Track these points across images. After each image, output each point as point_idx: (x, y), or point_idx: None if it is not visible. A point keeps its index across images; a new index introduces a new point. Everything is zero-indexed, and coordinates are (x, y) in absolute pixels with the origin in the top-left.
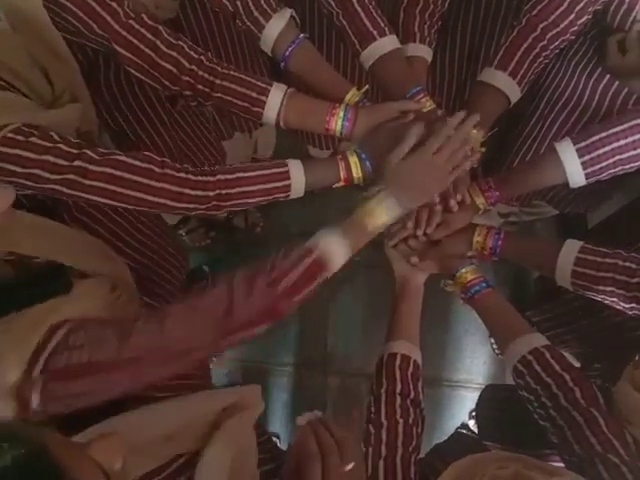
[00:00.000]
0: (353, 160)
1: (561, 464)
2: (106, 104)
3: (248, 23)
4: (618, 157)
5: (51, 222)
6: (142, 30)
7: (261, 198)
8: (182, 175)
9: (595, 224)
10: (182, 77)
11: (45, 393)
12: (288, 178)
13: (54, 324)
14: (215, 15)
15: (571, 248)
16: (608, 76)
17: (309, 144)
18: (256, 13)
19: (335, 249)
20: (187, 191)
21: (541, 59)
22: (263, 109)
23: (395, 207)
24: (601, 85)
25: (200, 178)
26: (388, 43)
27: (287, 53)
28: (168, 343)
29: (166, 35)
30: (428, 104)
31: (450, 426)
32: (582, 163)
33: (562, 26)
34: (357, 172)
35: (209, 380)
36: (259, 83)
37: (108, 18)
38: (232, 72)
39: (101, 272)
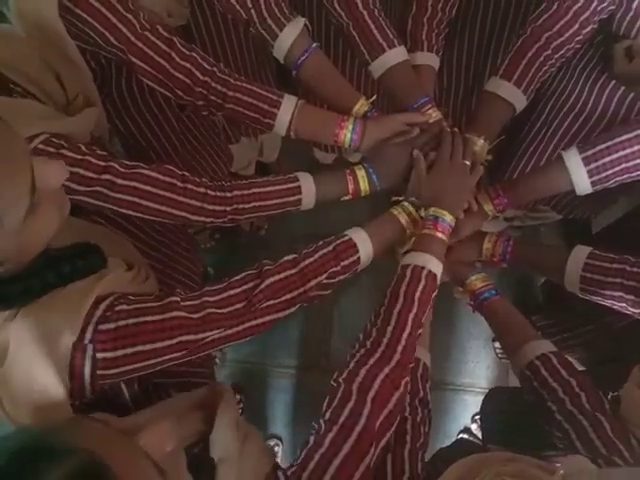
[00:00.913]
0: (361, 174)
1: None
2: (117, 109)
3: (261, 30)
4: (624, 165)
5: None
6: (157, 42)
7: (274, 211)
8: (202, 190)
9: (599, 229)
10: (195, 88)
11: (96, 362)
12: (300, 193)
13: (100, 295)
14: (224, 21)
15: (579, 254)
16: (613, 82)
17: (314, 146)
18: (270, 21)
19: (363, 238)
20: (206, 206)
21: (546, 67)
22: (274, 121)
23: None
24: (606, 91)
25: (218, 194)
26: (397, 55)
27: (299, 62)
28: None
29: (180, 46)
30: (435, 114)
31: (453, 429)
32: (588, 171)
33: (566, 35)
34: (364, 186)
35: (213, 376)
36: (270, 95)
37: (124, 30)
38: (244, 84)
39: (116, 254)
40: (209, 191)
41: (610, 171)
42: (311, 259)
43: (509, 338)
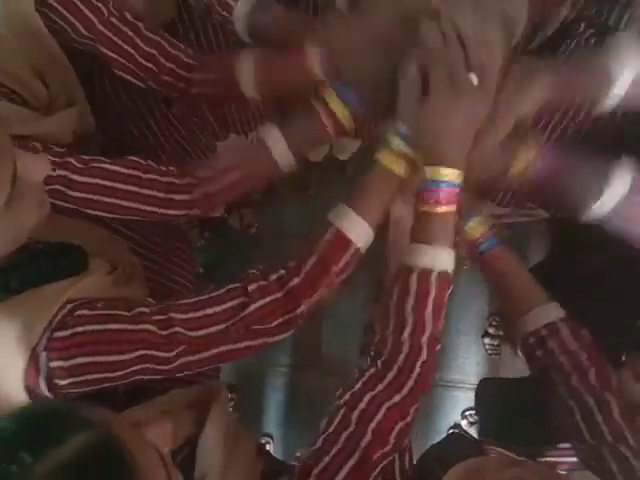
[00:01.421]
0: (333, 101)
1: (564, 459)
2: (102, 108)
3: (220, 10)
4: None
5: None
6: (123, 27)
7: (250, 185)
8: (167, 179)
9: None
10: (162, 77)
11: (51, 371)
12: (271, 156)
13: (71, 299)
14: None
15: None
16: None
17: None
18: None
19: (351, 221)
20: (174, 196)
21: None
22: (239, 85)
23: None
24: None
25: (185, 181)
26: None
27: (261, 27)
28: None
29: (145, 31)
30: None
31: (443, 425)
32: None
33: None
34: (344, 115)
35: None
36: (227, 62)
37: (93, 18)
38: (203, 60)
39: (102, 253)
40: (176, 180)
41: None
42: (298, 279)
43: (512, 301)
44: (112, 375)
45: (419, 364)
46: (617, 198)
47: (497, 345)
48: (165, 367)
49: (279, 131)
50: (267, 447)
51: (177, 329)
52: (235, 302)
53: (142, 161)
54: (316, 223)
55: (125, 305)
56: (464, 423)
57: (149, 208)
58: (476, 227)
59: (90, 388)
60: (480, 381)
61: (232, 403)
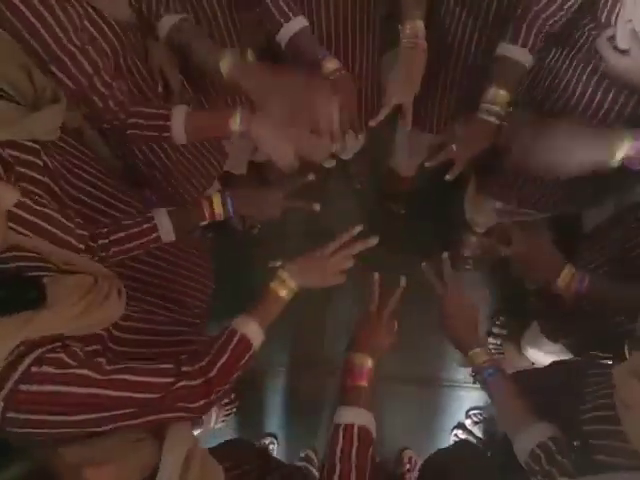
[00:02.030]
0: (216, 198)
1: None
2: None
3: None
4: None
5: None
6: (84, 63)
7: (138, 251)
8: (83, 233)
9: (591, 228)
10: (104, 115)
11: (3, 418)
12: (156, 230)
13: (28, 340)
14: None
15: None
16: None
17: None
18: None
19: (251, 329)
20: (92, 250)
21: (546, 28)
22: (171, 133)
23: (294, 285)
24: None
25: (88, 242)
26: (294, 25)
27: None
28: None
29: (104, 72)
30: (330, 65)
31: (448, 425)
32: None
33: (553, 9)
34: (219, 208)
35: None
36: (162, 111)
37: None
38: (140, 108)
39: (85, 269)
40: (89, 240)
41: None
42: (214, 372)
43: (509, 421)
44: (61, 431)
45: None
46: None
47: (500, 344)
48: (104, 428)
49: (168, 218)
50: (271, 447)
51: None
52: (169, 379)
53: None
54: (317, 224)
55: (83, 362)
56: (468, 422)
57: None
58: (480, 355)
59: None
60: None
61: (236, 404)
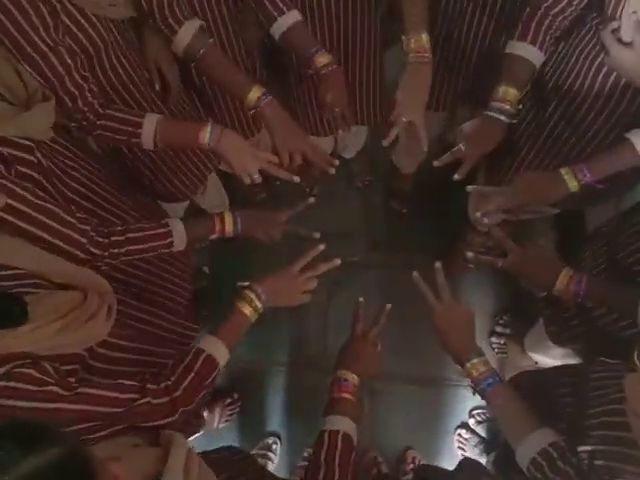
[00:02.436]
0: (227, 216)
1: None
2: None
3: (162, 27)
4: None
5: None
6: (56, 63)
7: (148, 254)
8: (87, 228)
9: (594, 228)
10: (74, 114)
11: None
12: (171, 236)
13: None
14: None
15: None
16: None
17: (308, 133)
18: (171, 20)
19: (218, 349)
20: (89, 247)
21: (556, 24)
22: (140, 139)
23: (260, 306)
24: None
25: (99, 239)
26: (287, 19)
27: (198, 55)
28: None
29: (75, 73)
30: (322, 59)
31: (451, 425)
32: None
33: (562, 5)
34: (230, 227)
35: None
36: (133, 118)
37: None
38: (112, 112)
39: (77, 282)
40: (94, 234)
41: None
42: (179, 391)
43: (511, 429)
44: None
45: None
46: None
47: (504, 344)
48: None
49: (183, 226)
50: (274, 447)
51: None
52: (133, 395)
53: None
54: (320, 224)
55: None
56: (472, 422)
57: (68, 247)
58: (477, 366)
59: None
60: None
61: (238, 404)
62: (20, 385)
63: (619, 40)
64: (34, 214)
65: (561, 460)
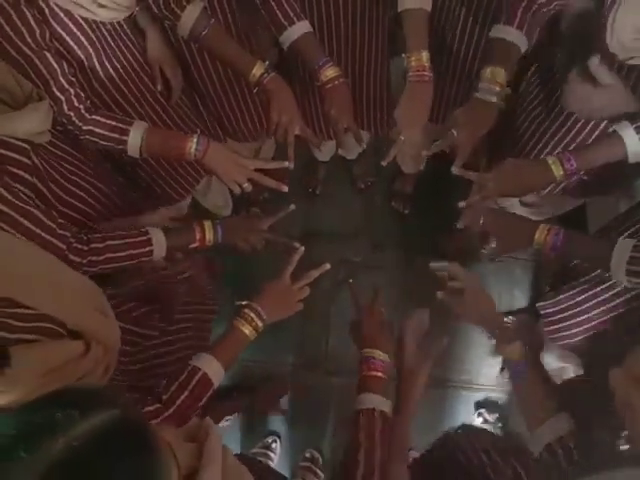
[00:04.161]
0: (208, 225)
1: None
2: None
3: (166, 12)
4: None
5: (61, 267)
6: (41, 67)
7: (127, 262)
8: (67, 236)
9: (596, 230)
10: (60, 117)
11: None
12: (150, 244)
13: None
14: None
15: (624, 247)
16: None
17: (311, 145)
18: (173, 5)
19: (214, 369)
20: (68, 254)
21: (544, 10)
22: (126, 146)
23: (260, 325)
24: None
25: (78, 246)
26: (297, 30)
27: (201, 35)
28: None
29: (61, 77)
30: (330, 72)
31: (451, 425)
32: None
33: None
34: (210, 236)
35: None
36: (120, 125)
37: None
38: (98, 117)
39: (88, 329)
40: (73, 240)
41: None
42: (171, 411)
43: (528, 409)
44: None
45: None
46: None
47: None
48: None
49: (163, 235)
50: (274, 446)
51: None
52: (153, 407)
53: (62, 222)
54: (322, 224)
55: None
56: (479, 421)
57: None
58: (515, 353)
59: None
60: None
61: (238, 404)
62: None
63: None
64: (16, 216)
65: (578, 451)
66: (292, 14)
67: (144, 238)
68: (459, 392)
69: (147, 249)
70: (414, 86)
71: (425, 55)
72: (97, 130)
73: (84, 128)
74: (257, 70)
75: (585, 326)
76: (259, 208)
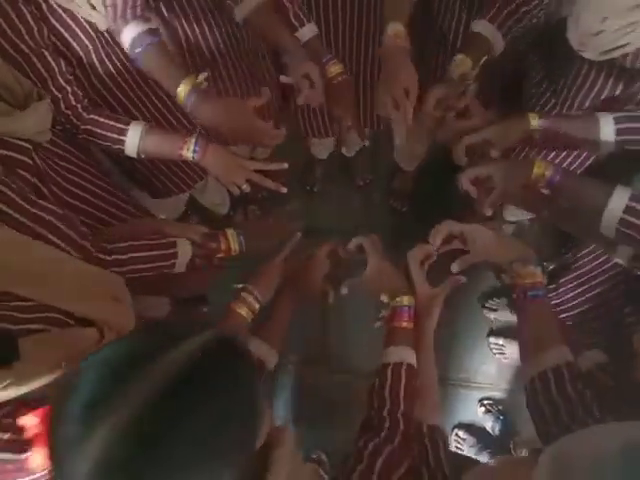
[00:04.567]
0: (231, 233)
1: None
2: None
3: (114, 28)
4: None
5: (62, 257)
6: (38, 65)
7: (149, 273)
8: (84, 245)
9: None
10: (57, 116)
11: None
12: (176, 258)
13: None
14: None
15: (622, 194)
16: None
17: (310, 136)
18: (120, 20)
19: None
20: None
21: (521, 12)
22: (124, 146)
23: (257, 307)
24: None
25: (98, 255)
26: (306, 32)
27: (133, 56)
28: None
29: (59, 75)
30: (334, 69)
31: (449, 423)
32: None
33: None
34: (234, 245)
35: None
36: (118, 125)
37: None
38: (96, 117)
39: (96, 317)
40: (93, 251)
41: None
42: None
43: (532, 338)
44: None
45: (399, 432)
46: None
47: (502, 344)
48: None
49: (190, 247)
50: None
51: None
52: None
53: (83, 229)
54: (320, 220)
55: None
56: (481, 410)
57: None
58: (533, 274)
59: None
60: None
61: None
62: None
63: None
64: (31, 225)
65: (571, 383)
66: (302, 16)
67: (170, 251)
68: (458, 390)
69: (171, 262)
70: (390, 52)
71: (400, 28)
72: (95, 129)
73: (82, 127)
74: (185, 85)
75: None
76: (257, 206)
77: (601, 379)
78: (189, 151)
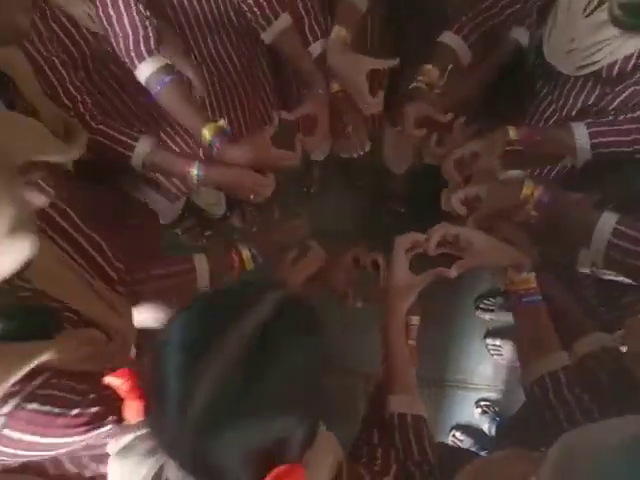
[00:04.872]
0: (245, 254)
1: None
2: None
3: (125, 59)
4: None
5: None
6: (49, 74)
7: (175, 290)
8: (119, 266)
9: None
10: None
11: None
12: (194, 271)
13: (39, 366)
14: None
15: (609, 217)
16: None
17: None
18: (133, 54)
19: (202, 266)
20: (116, 286)
21: (491, 23)
22: (130, 161)
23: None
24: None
25: (118, 288)
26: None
27: (154, 93)
28: None
29: (69, 84)
30: (336, 86)
31: (447, 424)
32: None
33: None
34: (249, 264)
35: None
36: (126, 139)
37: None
38: (105, 128)
39: (104, 322)
40: (122, 272)
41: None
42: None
43: (531, 346)
44: (52, 453)
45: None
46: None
47: (499, 345)
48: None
49: (207, 264)
50: None
51: None
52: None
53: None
54: (317, 221)
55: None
56: (478, 411)
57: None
58: (527, 280)
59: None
60: None
61: None
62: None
63: None
64: (80, 239)
65: (568, 389)
66: (319, 32)
67: (188, 266)
68: (455, 391)
69: (191, 276)
70: (335, 48)
71: (343, 32)
72: (103, 141)
73: (89, 137)
74: (208, 130)
75: None
76: (254, 207)
77: (607, 362)
78: (194, 175)
